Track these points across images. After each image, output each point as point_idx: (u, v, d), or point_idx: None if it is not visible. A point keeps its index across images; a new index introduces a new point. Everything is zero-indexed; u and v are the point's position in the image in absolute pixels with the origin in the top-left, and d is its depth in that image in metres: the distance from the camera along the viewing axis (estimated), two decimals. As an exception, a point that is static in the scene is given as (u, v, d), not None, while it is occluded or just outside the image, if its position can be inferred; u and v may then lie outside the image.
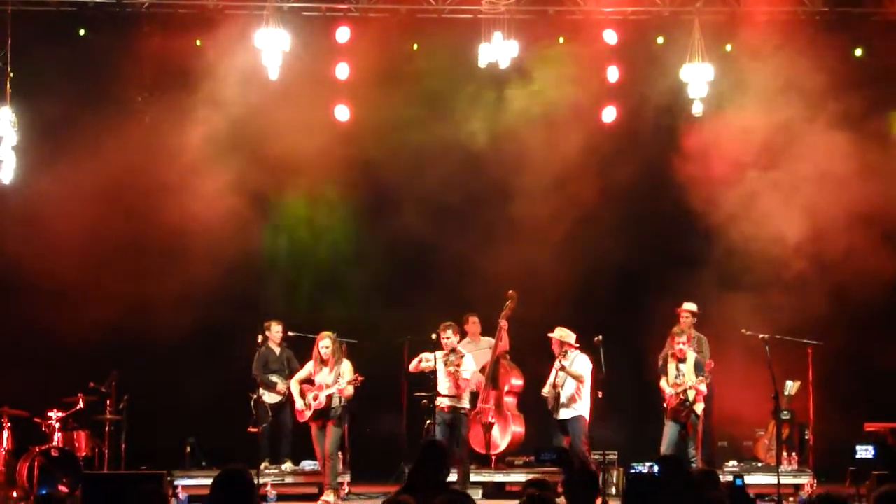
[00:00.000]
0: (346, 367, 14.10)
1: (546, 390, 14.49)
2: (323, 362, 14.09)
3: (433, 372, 14.28)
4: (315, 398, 13.98)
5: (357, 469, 15.22)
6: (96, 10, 15.91)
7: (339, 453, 15.01)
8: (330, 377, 13.99)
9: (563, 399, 14.34)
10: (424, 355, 14.37)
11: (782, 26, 15.93)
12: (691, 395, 14.22)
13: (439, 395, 14.11)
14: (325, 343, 14.03)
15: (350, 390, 14.01)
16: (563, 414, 14.41)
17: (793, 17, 16.12)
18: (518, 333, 15.54)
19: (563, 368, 14.32)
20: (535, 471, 14.38)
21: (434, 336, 14.25)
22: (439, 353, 14.32)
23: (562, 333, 14.50)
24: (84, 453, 14.59)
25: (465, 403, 14.29)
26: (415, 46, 16.34)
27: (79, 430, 14.70)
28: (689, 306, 15.48)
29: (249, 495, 6.70)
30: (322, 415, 14.04)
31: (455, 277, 16.54)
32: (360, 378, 13.96)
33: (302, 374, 14.33)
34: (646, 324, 15.64)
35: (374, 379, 14.84)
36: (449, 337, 14.24)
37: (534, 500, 7.14)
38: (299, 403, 14.20)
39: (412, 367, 14.50)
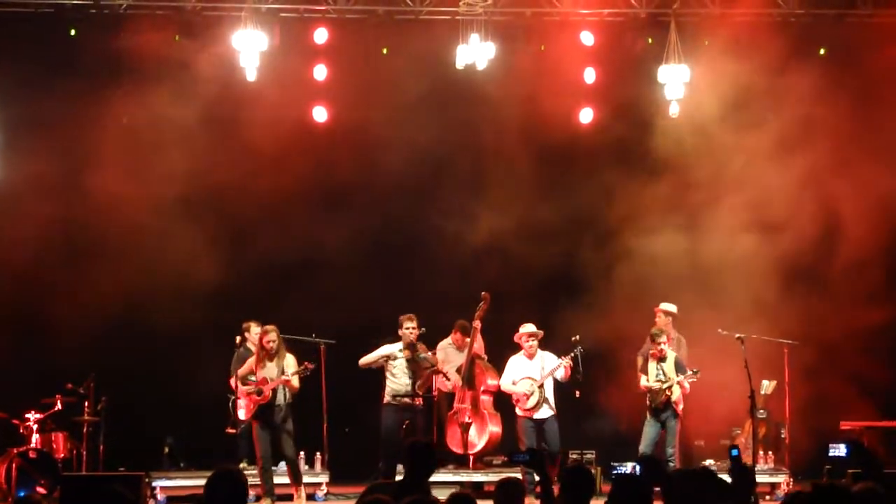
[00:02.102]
0: (290, 360, 14.01)
1: (529, 387, 14.51)
2: (268, 357, 13.94)
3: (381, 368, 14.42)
4: (259, 393, 13.83)
5: (335, 469, 15.24)
6: (74, 11, 15.88)
7: (318, 454, 15.09)
8: (275, 371, 13.86)
9: (545, 397, 14.42)
10: (387, 351, 14.42)
11: (758, 28, 16.03)
12: (676, 391, 14.33)
13: (394, 393, 14.24)
14: (270, 337, 13.87)
15: (296, 381, 13.91)
16: (543, 413, 14.49)
17: (768, 18, 16.22)
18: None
19: (572, 368, 14.38)
20: (511, 471, 14.45)
21: (410, 329, 14.29)
22: (396, 346, 14.37)
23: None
24: (62, 455, 14.58)
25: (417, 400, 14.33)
26: (384, 51, 16.34)
27: (57, 431, 14.68)
28: (665, 306, 15.56)
29: (243, 495, 6.76)
30: (266, 411, 13.82)
31: (433, 278, 16.57)
32: (309, 366, 13.89)
33: (244, 369, 14.12)
34: (620, 323, 15.69)
35: (352, 379, 14.90)
36: (412, 329, 14.26)
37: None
38: (242, 394, 14.03)
39: (364, 362, 14.51)
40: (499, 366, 15.39)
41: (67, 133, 15.72)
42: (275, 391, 13.85)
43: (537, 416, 14.53)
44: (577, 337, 14.50)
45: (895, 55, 15.97)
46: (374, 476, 14.82)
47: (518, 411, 14.71)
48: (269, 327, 14.04)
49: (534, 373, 14.62)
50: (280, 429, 13.90)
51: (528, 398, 14.55)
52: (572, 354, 14.50)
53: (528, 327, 14.77)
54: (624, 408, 15.44)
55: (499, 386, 15.34)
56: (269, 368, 13.91)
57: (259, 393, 13.82)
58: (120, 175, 15.81)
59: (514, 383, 14.73)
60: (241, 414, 14.46)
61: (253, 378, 13.92)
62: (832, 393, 15.48)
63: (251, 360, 14.09)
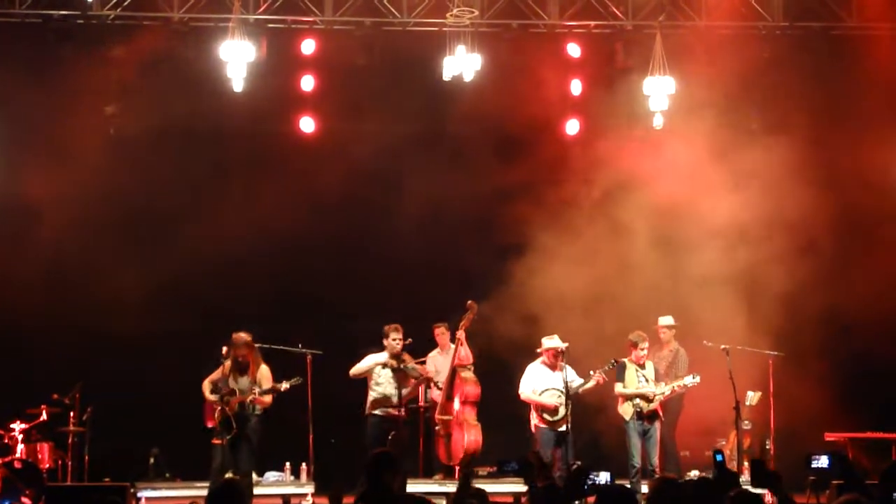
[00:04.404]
0: (265, 372, 13.69)
1: (557, 400, 14.44)
2: (239, 367, 13.56)
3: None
4: (227, 403, 13.46)
5: (321, 480, 15.22)
6: (62, 22, 15.87)
7: (304, 464, 15.04)
8: (247, 384, 13.54)
9: (568, 411, 14.40)
10: (382, 360, 14.36)
11: (744, 41, 16.13)
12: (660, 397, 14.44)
13: (379, 403, 14.24)
14: (241, 352, 13.51)
15: (268, 399, 13.54)
16: (565, 426, 14.45)
17: (754, 31, 16.31)
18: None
19: (604, 380, 14.38)
20: (500, 481, 14.49)
21: (396, 340, 14.29)
22: (383, 355, 14.34)
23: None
24: (47, 465, 14.54)
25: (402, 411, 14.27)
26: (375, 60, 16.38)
27: (42, 441, 14.64)
28: (665, 321, 15.59)
29: None
30: (231, 423, 13.44)
31: (420, 288, 16.59)
32: (280, 388, 13.54)
33: (215, 374, 13.69)
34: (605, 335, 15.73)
35: (338, 389, 14.90)
36: (398, 339, 14.23)
37: None
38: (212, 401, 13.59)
39: (356, 372, 14.47)
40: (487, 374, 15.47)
41: (52, 144, 15.73)
42: (242, 402, 13.55)
43: (562, 428, 14.43)
44: (567, 345, 14.52)
45: (880, 68, 16.03)
46: (360, 487, 14.80)
47: (535, 419, 14.63)
48: (242, 340, 13.60)
49: (558, 384, 14.46)
50: (242, 439, 13.57)
51: (556, 411, 14.48)
52: (606, 368, 14.49)
53: (554, 342, 14.63)
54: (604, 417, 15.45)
55: (479, 395, 15.28)
56: (241, 381, 13.56)
57: (227, 403, 13.49)
58: (105, 185, 15.83)
59: (534, 392, 14.65)
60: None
61: (228, 385, 13.53)
62: (817, 404, 15.51)
63: (224, 367, 13.62)
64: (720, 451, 8.17)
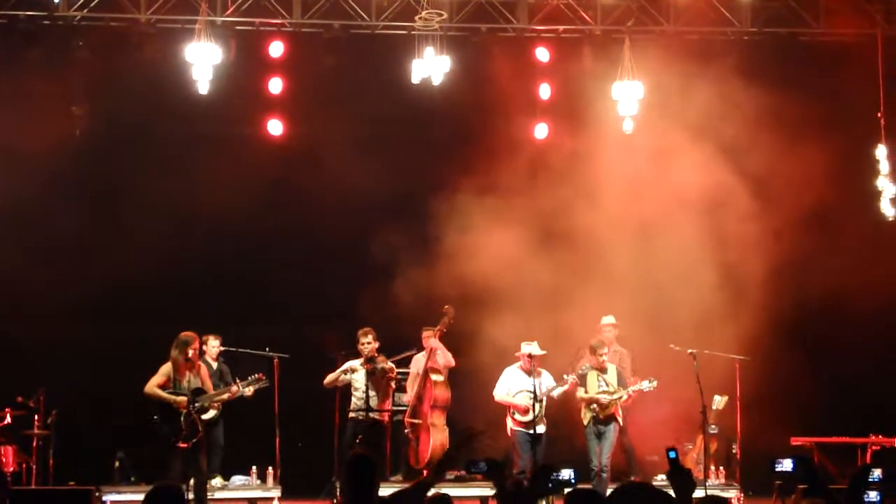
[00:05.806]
0: (206, 371, 13.82)
1: (528, 401, 14.52)
2: (190, 367, 13.36)
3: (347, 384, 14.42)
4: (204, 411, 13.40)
5: (287, 484, 15.18)
6: (28, 23, 15.76)
7: (270, 468, 15.01)
8: (198, 383, 13.38)
9: (541, 413, 14.49)
10: (347, 366, 14.38)
11: (711, 46, 16.20)
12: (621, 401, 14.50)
13: (356, 407, 14.25)
14: (196, 346, 13.39)
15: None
16: (541, 428, 14.58)
17: (722, 36, 16.40)
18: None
19: (577, 383, 14.55)
20: (467, 485, 14.48)
21: (364, 343, 14.26)
22: (355, 362, 14.34)
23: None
24: (11, 468, 14.43)
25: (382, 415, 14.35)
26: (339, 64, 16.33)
27: (6, 445, 14.55)
28: (607, 319, 15.67)
29: None
30: (198, 426, 13.21)
31: (391, 292, 16.55)
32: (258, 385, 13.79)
33: (159, 379, 13.39)
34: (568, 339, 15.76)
35: (305, 394, 14.87)
36: (369, 342, 14.25)
37: None
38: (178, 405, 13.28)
39: (329, 380, 14.48)
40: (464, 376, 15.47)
41: (17, 145, 15.59)
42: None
43: (535, 430, 14.52)
44: (545, 353, 14.61)
45: (848, 73, 16.12)
46: (327, 490, 14.80)
47: (511, 423, 14.76)
48: (192, 338, 13.44)
49: (531, 387, 14.54)
50: (211, 441, 13.64)
51: (527, 412, 14.56)
52: (578, 372, 14.63)
53: (531, 348, 14.72)
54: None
55: (449, 399, 15.29)
56: (194, 381, 13.42)
57: (200, 405, 13.36)
58: (69, 186, 15.75)
59: (508, 393, 14.79)
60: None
61: (186, 386, 13.33)
62: (783, 408, 15.58)
63: (166, 370, 13.42)
64: (674, 448, 8.10)
